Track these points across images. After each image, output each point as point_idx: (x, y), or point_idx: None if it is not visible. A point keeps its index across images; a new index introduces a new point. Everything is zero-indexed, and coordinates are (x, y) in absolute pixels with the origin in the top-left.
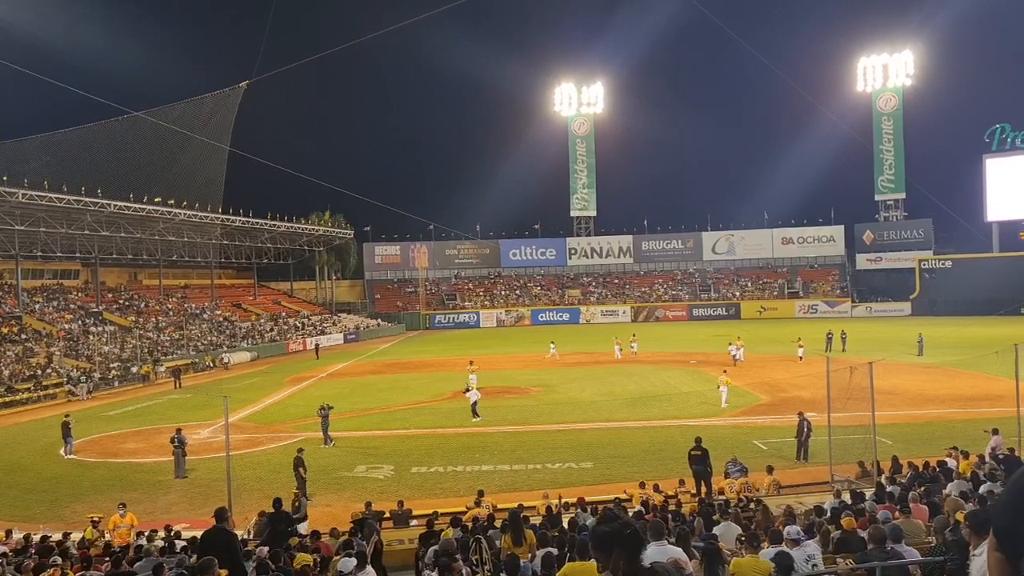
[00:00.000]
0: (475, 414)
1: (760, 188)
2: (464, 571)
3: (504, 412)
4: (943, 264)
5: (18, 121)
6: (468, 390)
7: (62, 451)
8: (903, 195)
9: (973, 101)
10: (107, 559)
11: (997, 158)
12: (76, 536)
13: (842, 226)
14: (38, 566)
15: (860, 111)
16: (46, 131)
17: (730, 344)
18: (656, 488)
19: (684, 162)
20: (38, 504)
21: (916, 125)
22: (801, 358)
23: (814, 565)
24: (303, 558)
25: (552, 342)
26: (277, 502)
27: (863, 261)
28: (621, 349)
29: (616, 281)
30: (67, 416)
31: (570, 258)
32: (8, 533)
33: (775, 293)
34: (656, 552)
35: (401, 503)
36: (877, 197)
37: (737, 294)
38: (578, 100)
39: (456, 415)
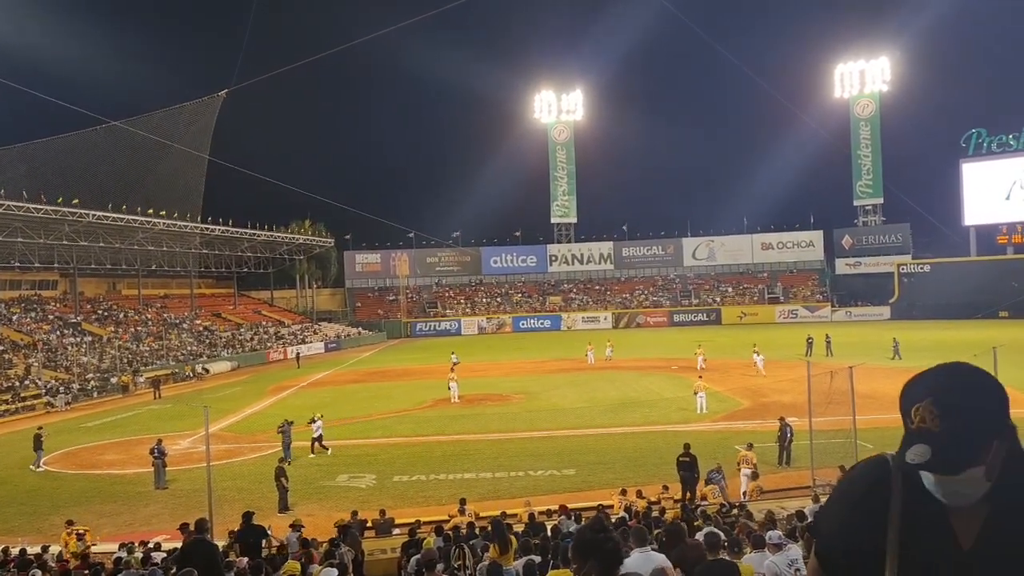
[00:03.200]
0: (313, 449)
1: (740, 194)
2: None
3: (486, 419)
4: (921, 268)
5: None
6: (313, 421)
7: (32, 464)
8: (881, 200)
9: (949, 107)
10: (86, 572)
11: (974, 163)
12: (55, 549)
13: (821, 231)
14: None
15: (838, 117)
16: (23, 141)
17: (697, 354)
18: (639, 494)
19: (664, 168)
20: (16, 517)
21: (893, 131)
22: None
23: (797, 570)
24: (291, 566)
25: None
26: (247, 515)
27: (842, 266)
28: (594, 354)
29: (597, 287)
30: (40, 428)
31: (551, 265)
32: None
33: (755, 298)
34: (640, 559)
35: (383, 512)
36: (856, 202)
37: (718, 300)
38: (558, 107)
39: (438, 423)
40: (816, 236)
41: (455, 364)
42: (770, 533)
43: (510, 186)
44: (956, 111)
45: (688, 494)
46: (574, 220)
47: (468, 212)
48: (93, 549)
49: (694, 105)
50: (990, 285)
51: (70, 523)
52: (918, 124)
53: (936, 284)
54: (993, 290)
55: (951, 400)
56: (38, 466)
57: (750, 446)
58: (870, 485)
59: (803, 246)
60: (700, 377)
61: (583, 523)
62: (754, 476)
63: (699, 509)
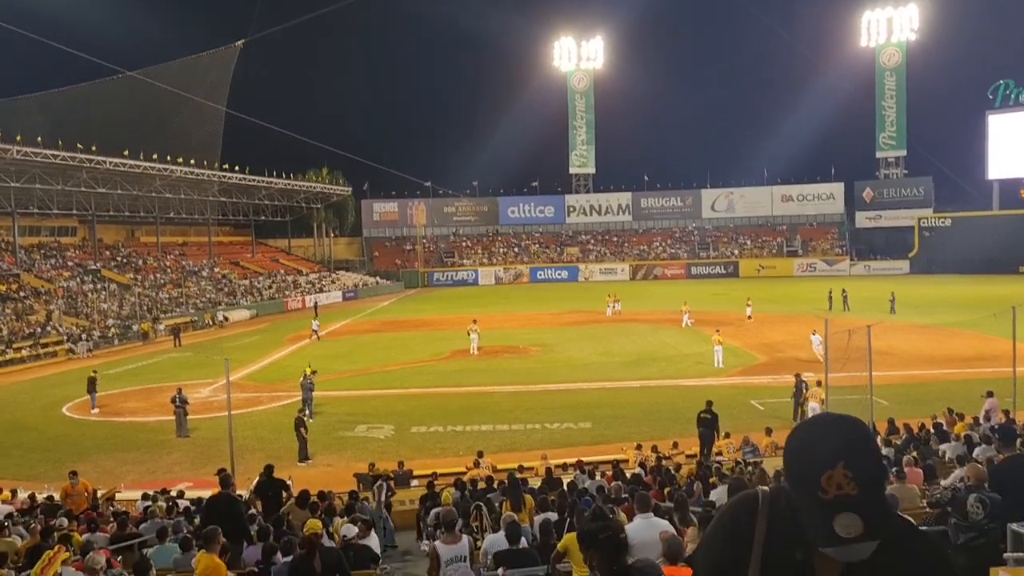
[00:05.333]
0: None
1: (760, 145)
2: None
3: (503, 372)
4: (942, 222)
5: (12, 80)
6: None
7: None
8: (904, 152)
9: (977, 57)
10: (112, 520)
11: (1000, 115)
12: None
13: (842, 183)
14: (46, 528)
15: (863, 67)
16: (41, 91)
17: (683, 311)
18: (654, 448)
19: (684, 119)
20: (42, 464)
21: (919, 81)
22: (750, 317)
23: None
24: (313, 524)
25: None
26: (268, 468)
27: (862, 219)
28: (613, 307)
29: (615, 239)
30: (94, 372)
31: (569, 215)
32: (13, 493)
33: (774, 251)
34: (642, 525)
35: (401, 464)
36: (878, 154)
37: (736, 252)
38: (577, 55)
39: (456, 375)
40: (837, 188)
41: (315, 332)
42: None
43: (528, 135)
44: (984, 61)
45: (705, 450)
46: (592, 170)
47: (486, 161)
48: (118, 496)
49: (715, 54)
50: (1012, 240)
51: (74, 474)
52: (944, 74)
53: (957, 238)
54: (1015, 245)
55: (861, 462)
56: (94, 407)
57: (819, 383)
58: (738, 522)
59: (823, 198)
60: (718, 331)
61: (588, 513)
62: (768, 432)
63: (715, 466)
